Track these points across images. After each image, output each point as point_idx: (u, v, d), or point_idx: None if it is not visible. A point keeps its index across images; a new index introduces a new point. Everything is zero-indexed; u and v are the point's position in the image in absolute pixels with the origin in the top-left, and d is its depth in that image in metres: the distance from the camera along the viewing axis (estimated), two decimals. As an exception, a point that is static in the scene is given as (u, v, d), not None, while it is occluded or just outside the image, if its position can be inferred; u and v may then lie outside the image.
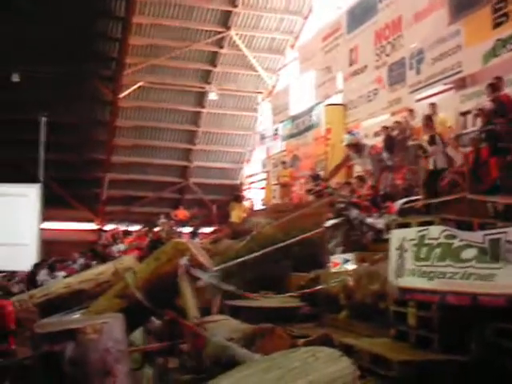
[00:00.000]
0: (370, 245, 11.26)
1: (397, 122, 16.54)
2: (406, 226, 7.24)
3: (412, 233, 6.90)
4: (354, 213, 11.39)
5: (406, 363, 5.88)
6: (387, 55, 18.92)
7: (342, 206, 11.49)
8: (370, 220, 11.44)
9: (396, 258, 6.99)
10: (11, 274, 15.69)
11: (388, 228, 10.99)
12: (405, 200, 11.92)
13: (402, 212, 11.24)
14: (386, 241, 9.69)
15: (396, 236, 7.23)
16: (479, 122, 13.32)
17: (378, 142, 17.25)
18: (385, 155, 12.28)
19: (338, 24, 22.69)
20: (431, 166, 13.26)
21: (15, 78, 27.70)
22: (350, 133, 12.50)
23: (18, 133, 29.55)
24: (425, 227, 6.74)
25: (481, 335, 5.99)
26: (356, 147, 11.90)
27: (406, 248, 6.86)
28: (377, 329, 7.74)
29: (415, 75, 17.22)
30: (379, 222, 11.40)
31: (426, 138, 13.84)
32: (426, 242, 6.58)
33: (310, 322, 9.21)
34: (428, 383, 5.79)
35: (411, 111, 16.24)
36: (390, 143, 16.09)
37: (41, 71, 28.35)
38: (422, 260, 6.55)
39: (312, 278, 10.28)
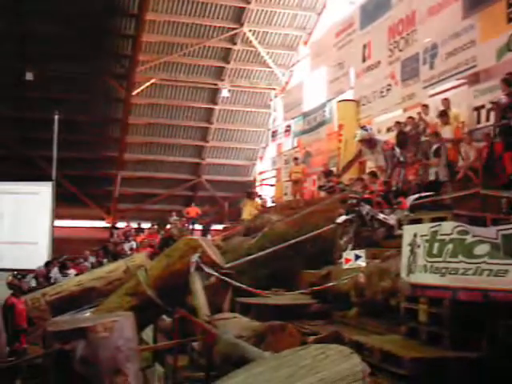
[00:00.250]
0: (381, 241, 11.19)
1: (410, 118, 16.45)
2: (419, 221, 7.16)
3: (424, 228, 6.82)
4: (366, 208, 11.32)
5: (417, 360, 5.82)
6: (400, 50, 18.79)
7: (354, 201, 11.41)
8: (381, 216, 11.36)
9: (408, 254, 6.92)
10: (24, 272, 15.71)
11: (400, 224, 10.94)
12: (416, 196, 11.84)
13: (414, 208, 11.17)
14: (398, 237, 9.66)
15: (408, 232, 7.16)
16: (493, 116, 13.24)
17: (391, 137, 17.18)
18: (397, 151, 12.21)
19: (351, 20, 22.58)
20: (433, 177, 13.26)
21: (29, 76, 27.81)
22: (362, 128, 12.44)
23: (32, 131, 29.75)
24: (437, 223, 6.67)
25: (492, 332, 5.92)
26: (369, 142, 11.82)
27: (418, 244, 6.79)
28: (388, 326, 7.69)
29: (429, 70, 17.09)
30: (391, 218, 11.32)
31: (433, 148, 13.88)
32: (439, 237, 6.51)
33: (321, 319, 9.16)
34: (439, 380, 5.73)
35: (425, 106, 16.13)
36: (403, 139, 16.02)
37: (54, 69, 28.47)
38: (434, 256, 6.48)
39: (323, 275, 10.23)
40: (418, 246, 6.76)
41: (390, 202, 11.82)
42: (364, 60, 21.19)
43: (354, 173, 17.88)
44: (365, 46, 21.19)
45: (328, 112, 23.17)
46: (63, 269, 17.90)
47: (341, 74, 23.13)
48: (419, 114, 16.19)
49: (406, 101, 18.38)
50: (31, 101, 29.73)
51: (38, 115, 28.97)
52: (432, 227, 6.68)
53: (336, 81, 23.45)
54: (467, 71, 15.66)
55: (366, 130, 12.24)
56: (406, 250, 7.00)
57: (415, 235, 6.88)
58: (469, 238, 6.16)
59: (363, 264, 8.63)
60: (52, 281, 16.42)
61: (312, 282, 10.25)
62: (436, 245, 6.51)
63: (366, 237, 11.12)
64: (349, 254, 8.88)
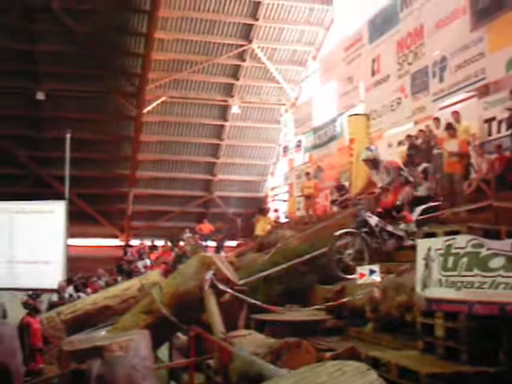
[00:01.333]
0: (392, 252, 11.20)
1: (421, 131, 16.46)
2: (433, 235, 7.14)
3: (438, 242, 6.79)
4: (375, 220, 11.32)
5: (434, 376, 5.77)
6: (409, 64, 18.80)
7: (364, 213, 11.43)
8: (390, 227, 11.36)
9: (422, 268, 6.88)
10: (39, 291, 15.76)
11: (409, 235, 10.99)
12: (424, 206, 11.85)
13: (421, 221, 11.25)
14: (408, 249, 9.68)
15: (422, 246, 7.12)
16: (507, 123, 13.25)
17: (402, 151, 17.21)
18: (405, 170, 12.22)
19: (359, 34, 22.64)
20: (425, 192, 13.58)
21: (40, 96, 28.04)
22: (367, 148, 12.48)
23: (44, 150, 29.98)
24: (451, 236, 6.64)
25: (510, 345, 5.88)
26: (373, 162, 11.81)
27: (432, 258, 6.76)
28: (404, 341, 7.65)
29: (438, 83, 17.10)
30: (400, 229, 11.33)
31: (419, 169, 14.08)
32: (453, 251, 6.47)
33: (336, 335, 9.13)
34: (458, 395, 5.69)
35: (436, 119, 16.14)
36: (414, 152, 16.03)
37: (65, 89, 28.71)
38: (448, 270, 6.45)
39: (337, 291, 10.19)
40: (433, 260, 6.73)
41: (393, 216, 11.80)
42: (373, 74, 21.23)
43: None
44: (374, 60, 21.23)
45: (338, 127, 23.23)
46: (82, 288, 18.03)
47: (350, 89, 23.17)
48: (427, 126, 16.21)
49: (416, 114, 18.38)
50: (43, 120, 30.01)
51: (50, 134, 29.23)
52: (446, 241, 6.65)
53: (346, 95, 23.48)
54: (477, 83, 15.65)
55: (371, 151, 12.24)
56: (420, 264, 6.97)
57: (429, 249, 6.85)
58: (483, 252, 6.13)
59: (378, 279, 8.61)
60: (66, 300, 16.46)
61: (326, 298, 10.22)
62: (451, 258, 6.47)
63: (375, 248, 11.12)
64: (363, 269, 8.86)
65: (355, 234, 11.20)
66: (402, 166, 12.39)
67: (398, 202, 12.01)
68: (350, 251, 11.13)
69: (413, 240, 11.06)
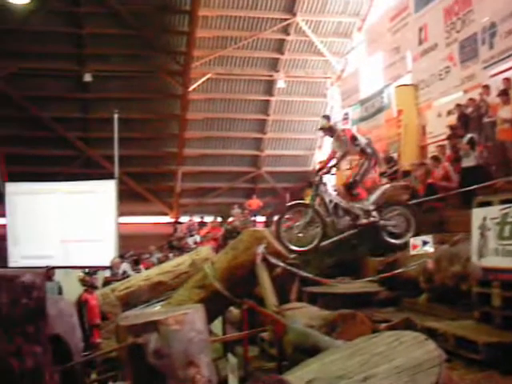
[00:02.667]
0: (346, 230, 11.18)
1: (471, 99, 16.16)
2: (488, 204, 7.01)
3: (494, 211, 6.68)
4: (330, 195, 11.16)
5: (492, 345, 5.72)
6: (457, 32, 18.43)
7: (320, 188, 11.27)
8: (345, 204, 11.13)
9: (478, 237, 6.80)
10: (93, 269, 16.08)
11: (364, 213, 10.84)
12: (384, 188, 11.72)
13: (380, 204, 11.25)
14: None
15: (477, 215, 7.01)
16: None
17: (452, 120, 16.95)
18: (363, 141, 11.69)
19: (405, 3, 22.26)
20: (473, 162, 13.38)
21: (87, 77, 28.33)
22: (324, 116, 12.27)
23: (93, 131, 30.36)
24: (507, 205, 6.52)
25: None
26: (329, 131, 11.56)
27: (488, 227, 6.66)
28: (459, 311, 7.59)
29: (488, 50, 16.74)
30: (356, 207, 11.09)
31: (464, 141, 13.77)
32: (509, 220, 6.37)
33: (389, 307, 9.09)
34: (516, 365, 5.62)
35: (486, 87, 15.81)
36: (465, 121, 15.77)
37: (111, 70, 28.98)
38: (505, 239, 6.35)
39: (389, 262, 10.14)
40: (489, 229, 6.64)
41: (352, 193, 11.53)
42: (420, 43, 20.89)
43: (415, 158, 17.71)
44: (421, 29, 20.88)
45: (386, 98, 22.90)
46: (134, 265, 18.35)
47: (397, 59, 22.86)
48: (480, 95, 15.89)
49: (465, 82, 18.04)
50: (90, 101, 30.36)
51: (98, 115, 29.57)
52: (502, 209, 6.55)
53: (392, 66, 23.17)
54: (529, 49, 15.31)
55: (328, 119, 11.98)
56: (476, 233, 6.88)
57: (485, 218, 6.75)
58: (541, 220, 6.04)
59: (431, 249, 8.53)
60: (120, 276, 16.72)
61: (378, 270, 10.19)
62: (507, 227, 6.37)
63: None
64: (416, 240, 8.79)
65: (308, 205, 11.11)
66: (355, 135, 11.92)
67: (354, 179, 11.63)
68: (299, 222, 11.14)
69: (367, 219, 10.96)
